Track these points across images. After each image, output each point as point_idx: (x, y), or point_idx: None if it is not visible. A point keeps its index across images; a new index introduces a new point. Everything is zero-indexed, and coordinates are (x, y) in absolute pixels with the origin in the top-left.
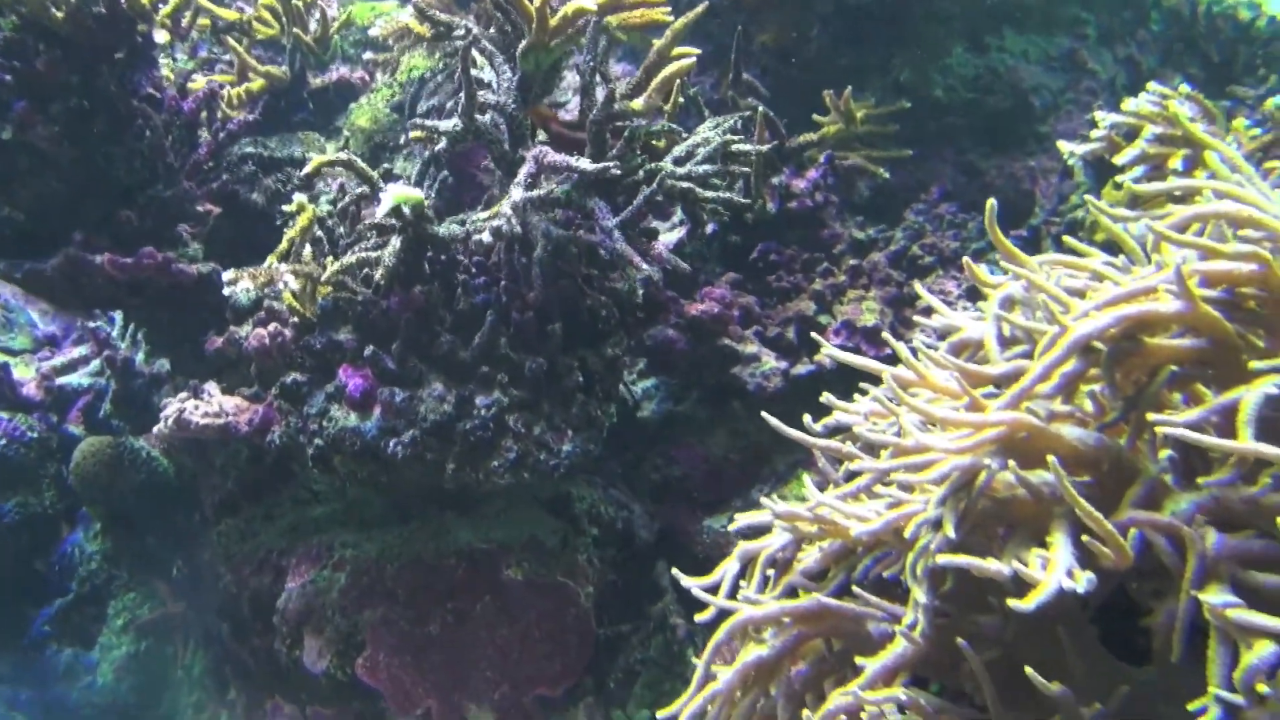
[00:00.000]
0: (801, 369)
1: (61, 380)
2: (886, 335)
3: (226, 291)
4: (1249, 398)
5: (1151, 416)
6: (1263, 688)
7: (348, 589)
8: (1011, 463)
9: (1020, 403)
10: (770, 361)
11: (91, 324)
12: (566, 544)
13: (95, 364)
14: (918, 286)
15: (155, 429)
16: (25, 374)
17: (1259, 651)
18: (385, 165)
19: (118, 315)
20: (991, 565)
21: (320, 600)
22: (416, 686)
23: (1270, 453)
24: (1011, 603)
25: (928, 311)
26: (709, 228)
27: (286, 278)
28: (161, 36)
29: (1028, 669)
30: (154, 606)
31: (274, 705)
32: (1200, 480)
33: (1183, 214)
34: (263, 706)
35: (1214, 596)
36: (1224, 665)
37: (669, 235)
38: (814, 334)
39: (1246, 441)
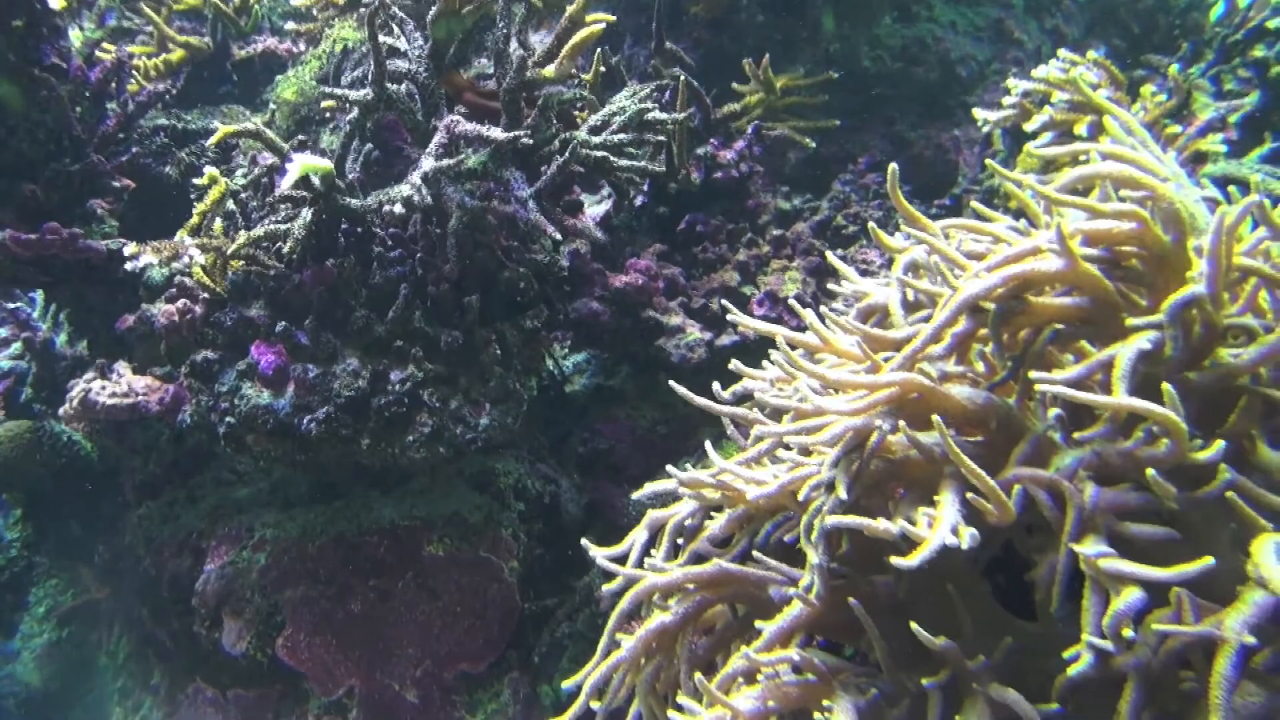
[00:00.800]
0: (726, 340)
1: None
2: (793, 303)
3: (129, 266)
4: (1123, 353)
5: (1032, 374)
6: (1128, 632)
7: (267, 569)
8: (901, 423)
9: (912, 364)
10: (695, 333)
11: (11, 305)
12: (490, 519)
13: (16, 347)
14: (829, 255)
15: (61, 410)
16: None
17: (1126, 597)
18: (300, 137)
19: (39, 295)
20: (880, 524)
21: (239, 581)
22: (338, 665)
23: (1140, 406)
24: (894, 560)
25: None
26: (638, 200)
27: (191, 251)
28: (57, 3)
29: (912, 624)
30: (77, 593)
31: (195, 688)
32: (1075, 435)
33: (1068, 176)
34: (185, 690)
35: (1088, 547)
36: (1096, 613)
37: (597, 208)
38: (725, 303)
39: (1119, 396)
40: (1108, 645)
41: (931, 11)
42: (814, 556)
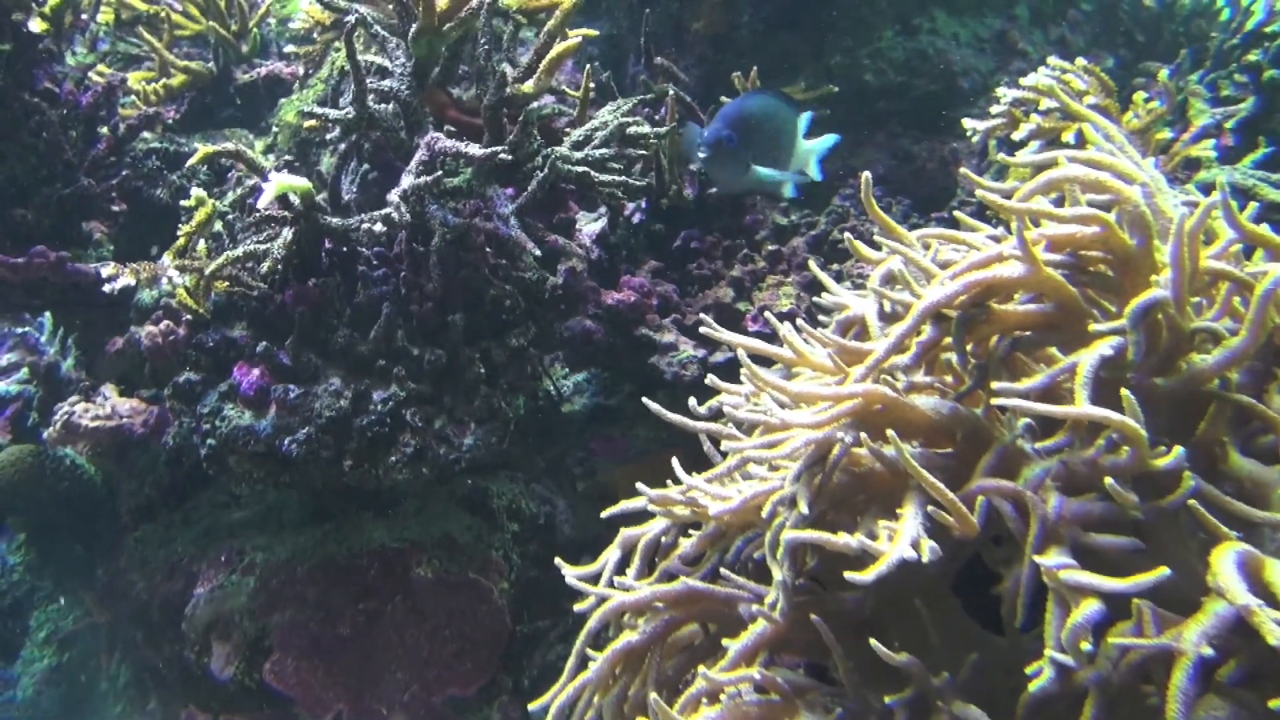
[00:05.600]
0: (719, 356)
1: None
2: (769, 315)
3: (106, 289)
4: (1085, 360)
5: (993, 385)
6: (1085, 645)
7: (256, 593)
8: (864, 435)
9: (877, 375)
10: (688, 350)
11: (21, 329)
12: (480, 540)
13: (24, 371)
14: (811, 264)
15: (45, 434)
16: None
17: (1083, 610)
18: (286, 157)
19: (47, 319)
20: (841, 539)
21: (228, 605)
22: (327, 690)
23: (1097, 414)
24: (849, 575)
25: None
26: (636, 217)
27: (170, 273)
28: (36, 25)
29: (871, 640)
30: (79, 617)
31: (188, 714)
32: (1038, 445)
33: (1035, 182)
34: (178, 716)
35: (1050, 559)
36: (1058, 627)
37: (594, 225)
38: (704, 317)
39: (1080, 405)
40: (1069, 660)
41: (934, 23)
42: (779, 573)
